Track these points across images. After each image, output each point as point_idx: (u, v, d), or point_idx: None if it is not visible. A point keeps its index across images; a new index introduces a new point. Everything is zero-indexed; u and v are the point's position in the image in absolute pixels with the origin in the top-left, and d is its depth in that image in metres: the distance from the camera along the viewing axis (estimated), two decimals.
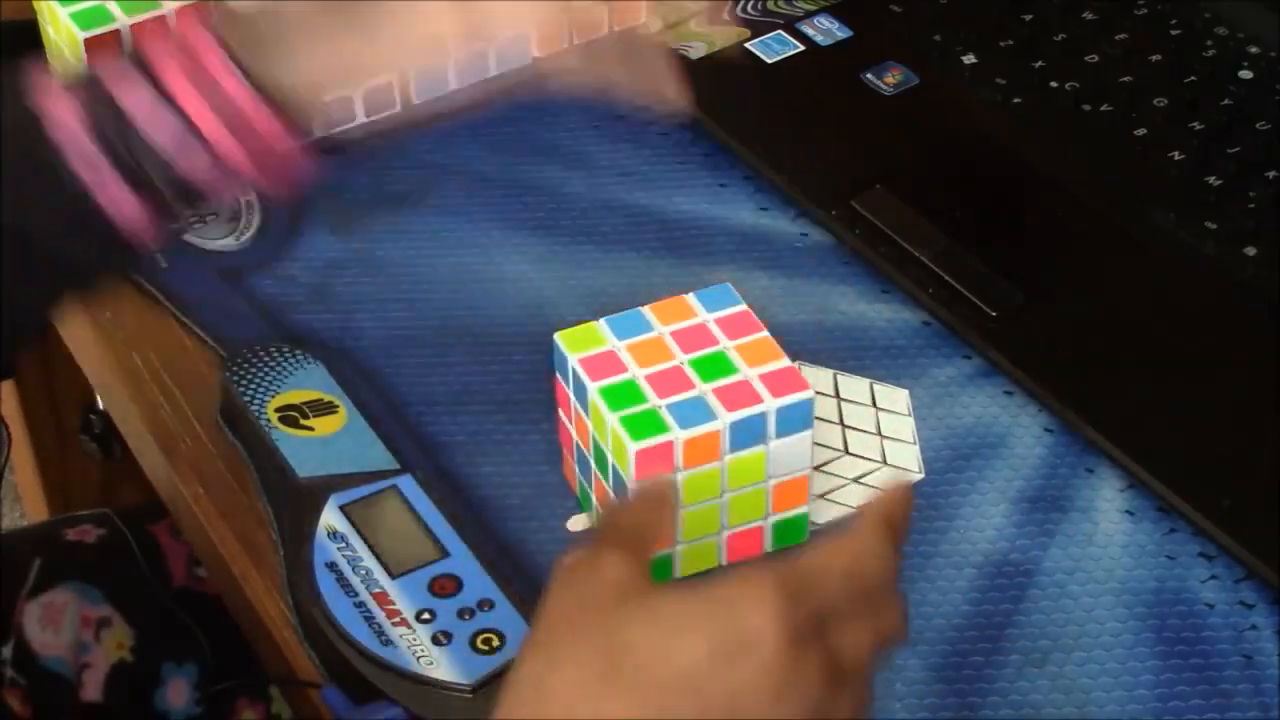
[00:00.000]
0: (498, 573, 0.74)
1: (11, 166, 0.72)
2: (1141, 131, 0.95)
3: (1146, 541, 0.77)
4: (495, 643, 0.71)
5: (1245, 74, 0.99)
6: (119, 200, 0.71)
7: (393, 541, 0.75)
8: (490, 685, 0.70)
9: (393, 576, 0.74)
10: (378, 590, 0.73)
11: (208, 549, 0.82)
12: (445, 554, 0.75)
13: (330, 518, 0.76)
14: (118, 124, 0.70)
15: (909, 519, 0.62)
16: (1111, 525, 0.78)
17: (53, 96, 0.71)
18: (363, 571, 0.74)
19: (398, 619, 0.72)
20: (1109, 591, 0.75)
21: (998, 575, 0.76)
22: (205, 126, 0.71)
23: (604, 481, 0.75)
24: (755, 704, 0.56)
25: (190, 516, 0.83)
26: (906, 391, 0.84)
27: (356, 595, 0.73)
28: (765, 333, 0.75)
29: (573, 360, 0.74)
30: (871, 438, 0.81)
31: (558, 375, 0.76)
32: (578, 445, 0.77)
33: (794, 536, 0.77)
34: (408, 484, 0.78)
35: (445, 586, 0.73)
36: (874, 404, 0.83)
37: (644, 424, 0.72)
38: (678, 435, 0.71)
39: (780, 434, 0.73)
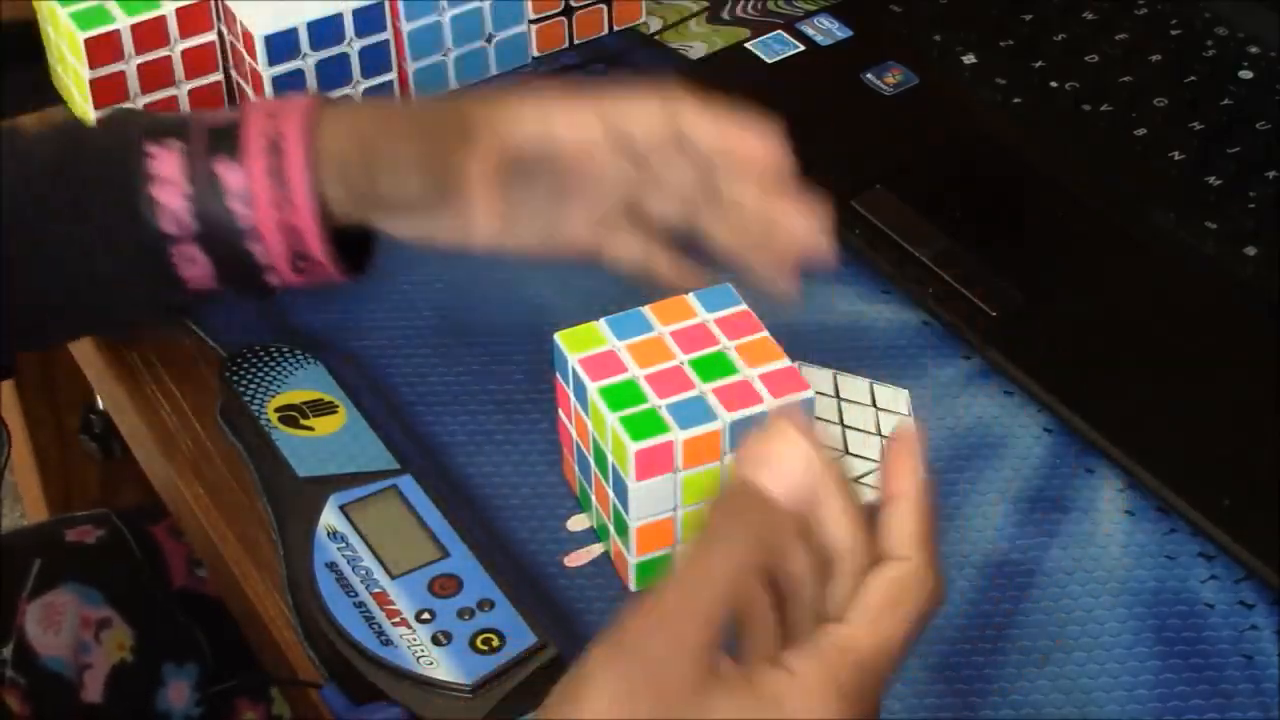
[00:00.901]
0: (498, 573, 0.74)
1: (101, 207, 0.77)
2: (1141, 131, 0.95)
3: (1146, 541, 0.77)
4: (495, 643, 0.71)
5: (1245, 74, 0.99)
6: (194, 262, 0.78)
7: (392, 541, 0.75)
8: (490, 685, 0.70)
9: (392, 576, 0.74)
10: (377, 590, 0.73)
11: (208, 549, 0.82)
12: (445, 554, 0.75)
13: (330, 517, 0.76)
14: (217, 201, 0.77)
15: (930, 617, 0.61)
16: (1111, 525, 0.78)
17: (158, 150, 0.77)
18: (362, 571, 0.74)
19: (397, 619, 0.72)
20: (1109, 591, 0.75)
21: (998, 575, 0.76)
22: (274, 247, 0.77)
23: (604, 482, 0.75)
24: None
25: (190, 516, 0.83)
26: (906, 391, 0.84)
27: (356, 595, 0.73)
28: (765, 333, 0.75)
29: (573, 360, 0.74)
30: (871, 438, 0.81)
31: (558, 375, 0.76)
32: (578, 445, 0.77)
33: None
34: (407, 484, 0.78)
35: (445, 586, 0.73)
36: (874, 404, 0.83)
37: (644, 424, 0.72)
38: (678, 435, 0.71)
39: None
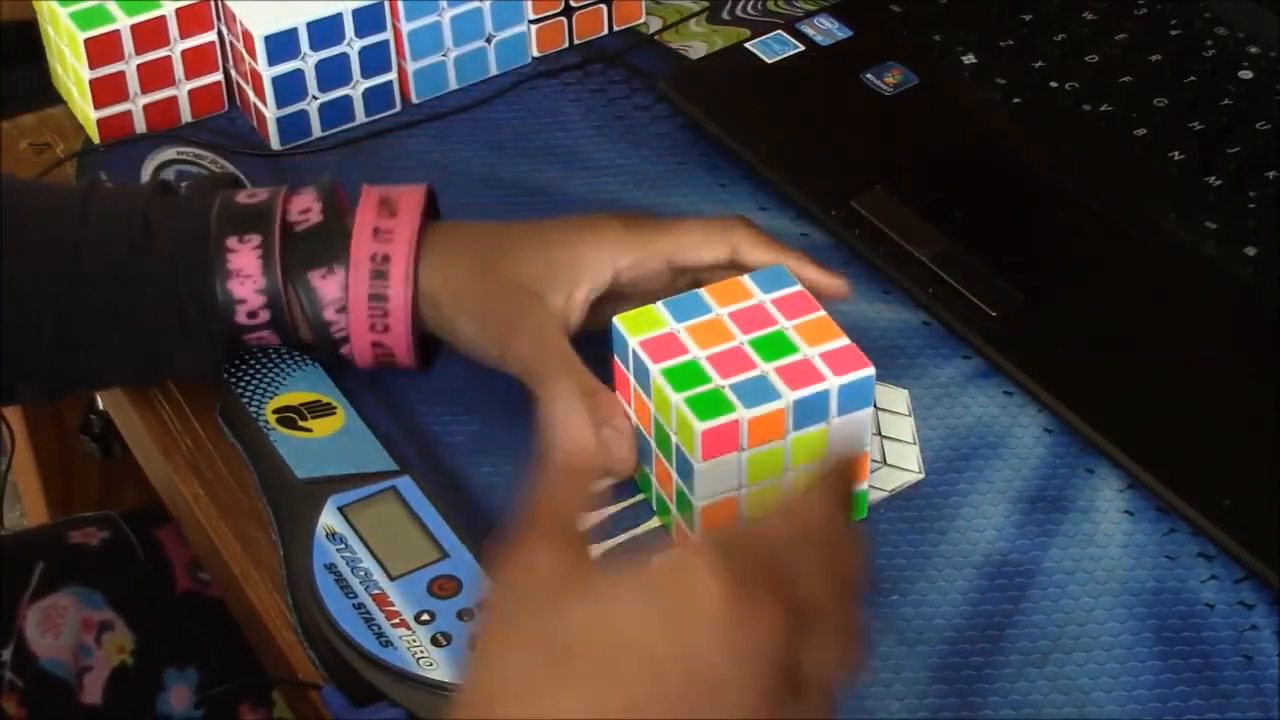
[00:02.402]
0: None
1: (177, 296, 0.80)
2: (1141, 131, 0.95)
3: (1146, 541, 0.77)
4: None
5: (1245, 74, 0.99)
6: (265, 341, 0.82)
7: (391, 543, 0.75)
8: None
9: (392, 578, 0.74)
10: (377, 591, 0.73)
11: (208, 550, 0.82)
12: (444, 555, 0.75)
13: (329, 519, 0.76)
14: (303, 303, 0.80)
15: (849, 486, 0.61)
16: (1111, 525, 0.78)
17: (234, 240, 0.80)
18: (362, 573, 0.74)
19: (397, 620, 0.72)
20: (1109, 591, 0.75)
21: (998, 575, 0.76)
22: (355, 324, 0.80)
23: (666, 463, 0.75)
24: (711, 659, 0.54)
25: (190, 517, 0.83)
26: (906, 391, 0.84)
27: (355, 596, 0.73)
28: (822, 312, 0.76)
29: (633, 343, 0.75)
30: (872, 438, 0.81)
31: (616, 358, 0.76)
32: (637, 428, 0.77)
33: (853, 513, 0.77)
34: (406, 485, 0.78)
35: (444, 587, 0.73)
36: (874, 404, 0.83)
37: (709, 404, 0.72)
38: (743, 414, 0.72)
39: (842, 411, 0.73)
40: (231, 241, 0.79)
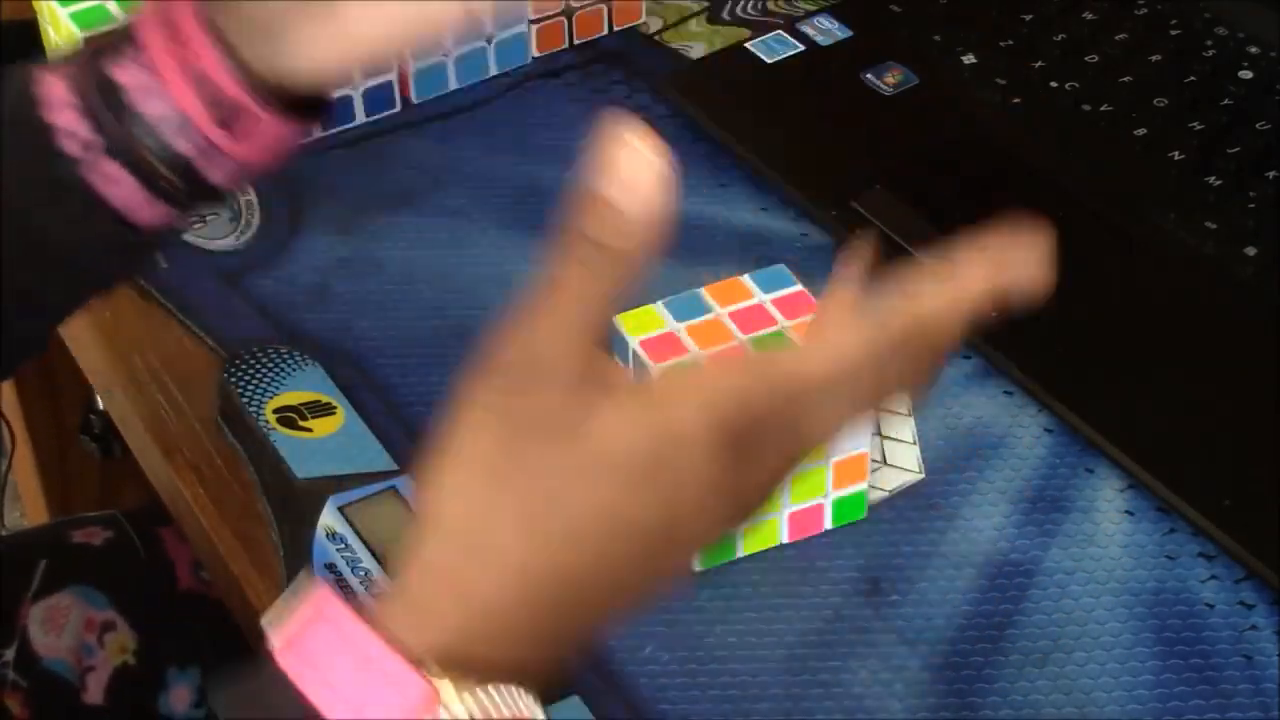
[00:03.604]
0: None
1: (7, 148, 0.71)
2: (1141, 131, 0.95)
3: (1146, 541, 0.77)
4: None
5: (1245, 74, 0.99)
6: (115, 180, 0.70)
7: (391, 543, 0.75)
8: None
9: (392, 578, 0.73)
10: (377, 591, 0.73)
11: (208, 549, 0.82)
12: None
13: (329, 519, 0.76)
14: (114, 103, 0.69)
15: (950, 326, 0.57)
16: (1111, 525, 0.78)
17: (47, 77, 0.70)
18: (361, 573, 0.74)
19: None
20: (1109, 591, 0.75)
21: (998, 575, 0.76)
22: (195, 115, 0.69)
23: None
24: (693, 501, 0.53)
25: (190, 517, 0.83)
26: None
27: (356, 597, 0.73)
28: None
29: (633, 342, 0.75)
30: (872, 438, 0.81)
31: (616, 358, 0.76)
32: None
33: (853, 513, 0.77)
34: (406, 485, 0.78)
35: None
36: None
37: None
38: None
39: None
40: (40, 73, 0.71)
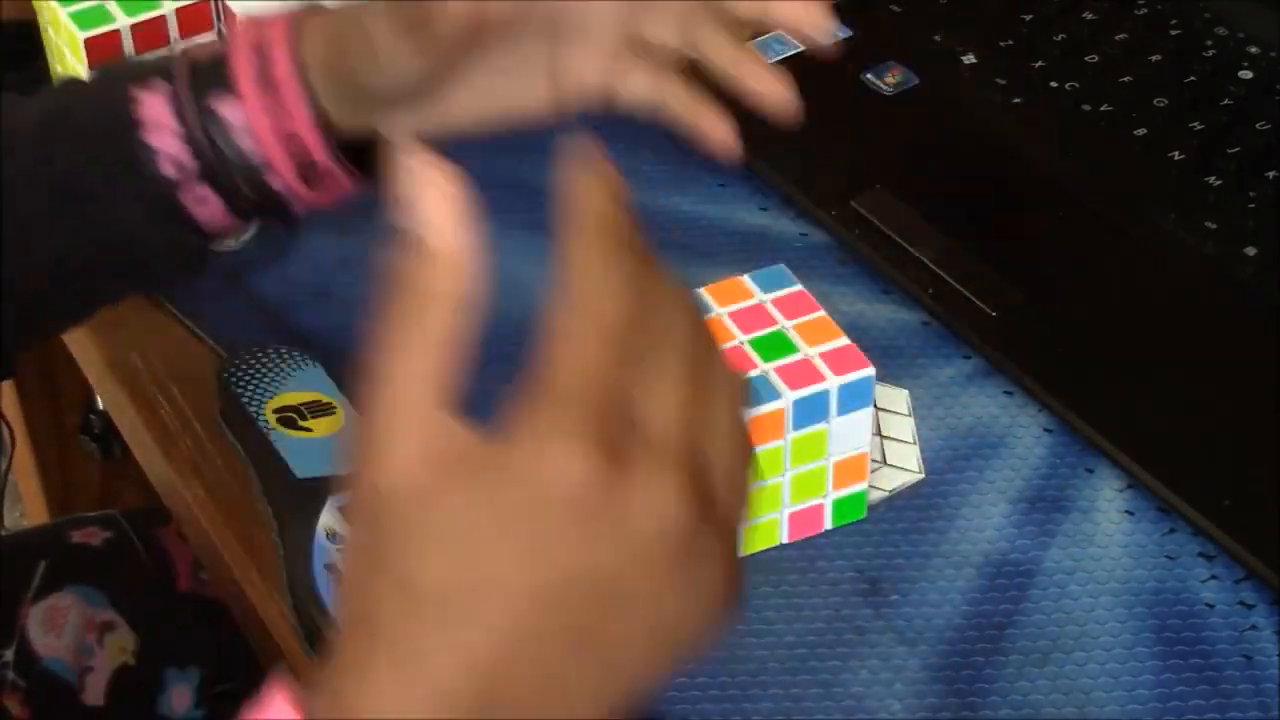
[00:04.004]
0: None
1: (100, 162, 0.74)
2: (1141, 131, 0.95)
3: (1146, 541, 0.77)
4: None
5: (1245, 74, 0.99)
6: (205, 201, 0.74)
7: None
8: None
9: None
10: None
11: (208, 550, 0.82)
12: None
13: (329, 519, 0.76)
14: (214, 134, 0.73)
15: (623, 216, 0.53)
16: (1111, 525, 0.78)
17: (145, 96, 0.73)
18: None
19: None
20: (1109, 591, 0.75)
21: (998, 575, 0.76)
22: (281, 167, 0.74)
23: None
24: (595, 565, 0.47)
25: (190, 517, 0.83)
26: (906, 391, 0.84)
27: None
28: (822, 312, 0.76)
29: None
30: (871, 438, 0.81)
31: None
32: None
33: (853, 513, 0.77)
34: None
35: None
36: (874, 404, 0.83)
37: None
38: None
39: (842, 412, 0.74)
40: (136, 91, 0.74)
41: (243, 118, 0.73)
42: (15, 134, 0.77)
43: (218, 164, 0.73)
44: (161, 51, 0.98)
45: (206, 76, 0.74)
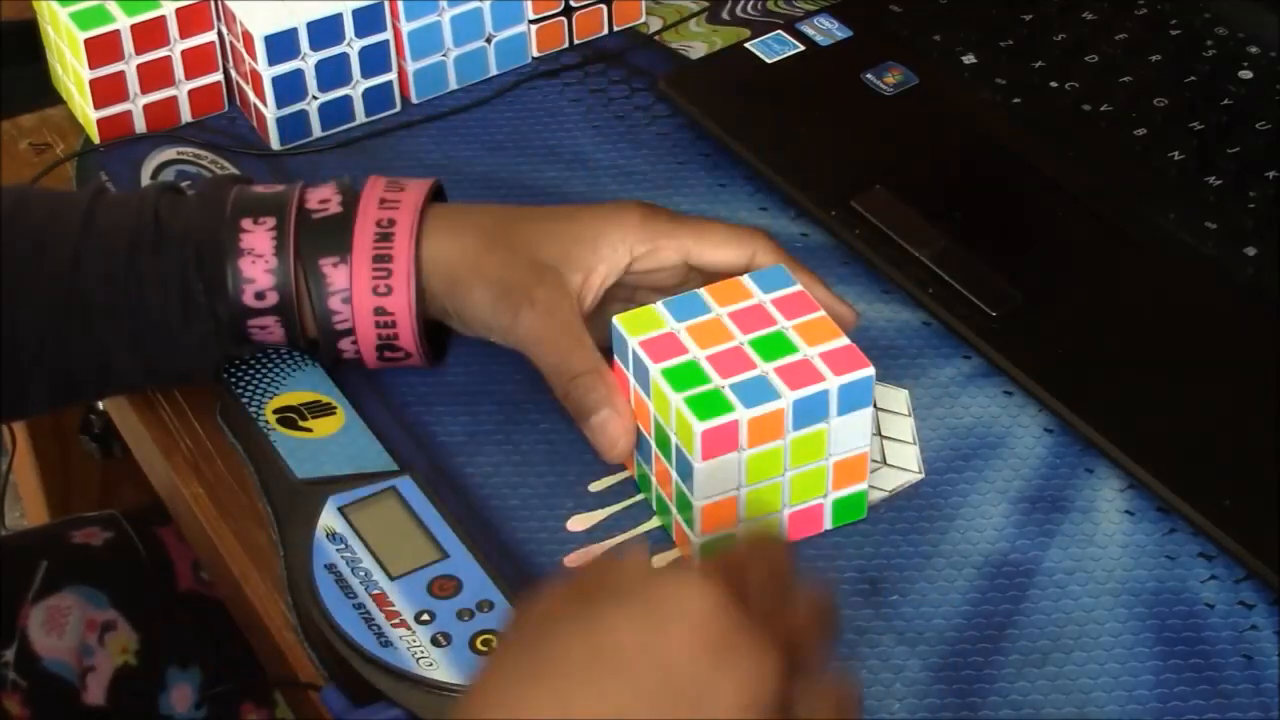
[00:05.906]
0: (497, 574, 0.74)
1: (189, 276, 0.79)
2: (1141, 131, 0.95)
3: (1146, 541, 0.77)
4: (495, 644, 0.71)
5: (1245, 74, 0.99)
6: (268, 329, 0.81)
7: (391, 543, 0.75)
8: None
9: (392, 578, 0.74)
10: (377, 591, 0.73)
11: (208, 549, 0.82)
12: (444, 555, 0.75)
13: (329, 519, 0.76)
14: (310, 286, 0.80)
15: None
16: (1111, 525, 0.78)
17: (248, 224, 0.79)
18: (362, 573, 0.74)
19: (397, 620, 0.72)
20: (1109, 591, 0.75)
21: (998, 575, 0.76)
22: (366, 343, 0.81)
23: (666, 463, 0.75)
24: (691, 668, 0.55)
25: (190, 517, 0.83)
26: (906, 391, 0.84)
27: (355, 597, 0.73)
28: (821, 312, 0.76)
29: (633, 343, 0.75)
30: (872, 438, 0.81)
31: (616, 359, 0.76)
32: (638, 428, 0.77)
33: (853, 513, 0.77)
34: (406, 485, 0.78)
35: (444, 587, 0.73)
36: (874, 404, 0.83)
37: (708, 404, 0.72)
38: (742, 415, 0.72)
39: (842, 412, 0.74)
40: (246, 222, 0.79)
41: (346, 284, 0.79)
42: (107, 234, 0.81)
43: (300, 311, 0.80)
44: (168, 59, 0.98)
45: (322, 232, 0.80)
